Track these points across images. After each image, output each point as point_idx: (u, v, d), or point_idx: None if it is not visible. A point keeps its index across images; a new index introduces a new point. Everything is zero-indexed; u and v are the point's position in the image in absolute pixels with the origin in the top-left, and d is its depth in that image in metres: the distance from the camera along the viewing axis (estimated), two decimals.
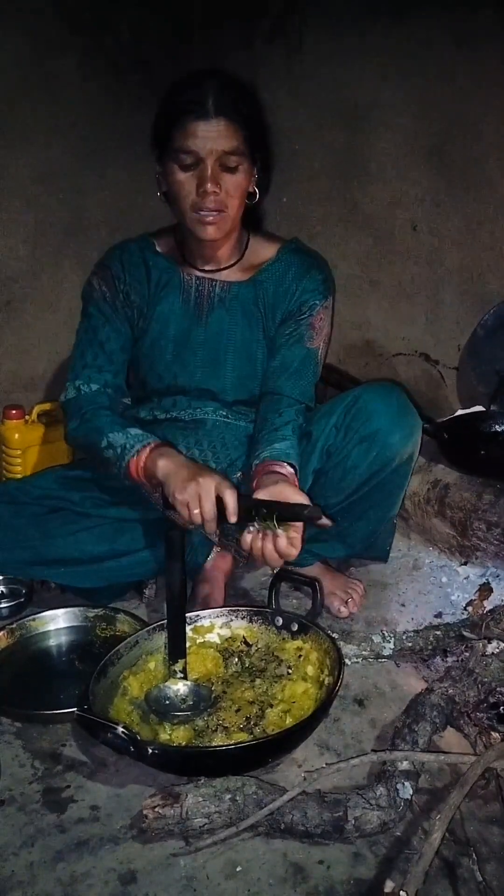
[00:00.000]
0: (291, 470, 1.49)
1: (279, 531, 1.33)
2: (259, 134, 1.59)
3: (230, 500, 1.33)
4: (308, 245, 1.76)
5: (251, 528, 1.35)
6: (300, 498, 1.35)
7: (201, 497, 1.34)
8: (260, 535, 1.35)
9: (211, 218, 1.53)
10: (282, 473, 1.47)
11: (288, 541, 1.34)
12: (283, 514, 1.32)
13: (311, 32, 2.14)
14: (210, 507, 1.34)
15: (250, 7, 2.20)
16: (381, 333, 2.27)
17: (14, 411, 2.06)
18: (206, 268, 1.67)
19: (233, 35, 2.24)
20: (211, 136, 1.47)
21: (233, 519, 1.34)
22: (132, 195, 2.22)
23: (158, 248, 1.69)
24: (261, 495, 1.36)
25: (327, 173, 2.20)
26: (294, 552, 1.35)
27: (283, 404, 1.60)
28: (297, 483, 1.48)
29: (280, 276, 1.65)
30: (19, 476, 2.04)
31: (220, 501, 1.35)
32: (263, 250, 1.69)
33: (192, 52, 2.24)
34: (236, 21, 2.23)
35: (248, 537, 1.36)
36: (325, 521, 1.31)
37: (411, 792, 1.15)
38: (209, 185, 1.49)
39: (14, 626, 1.59)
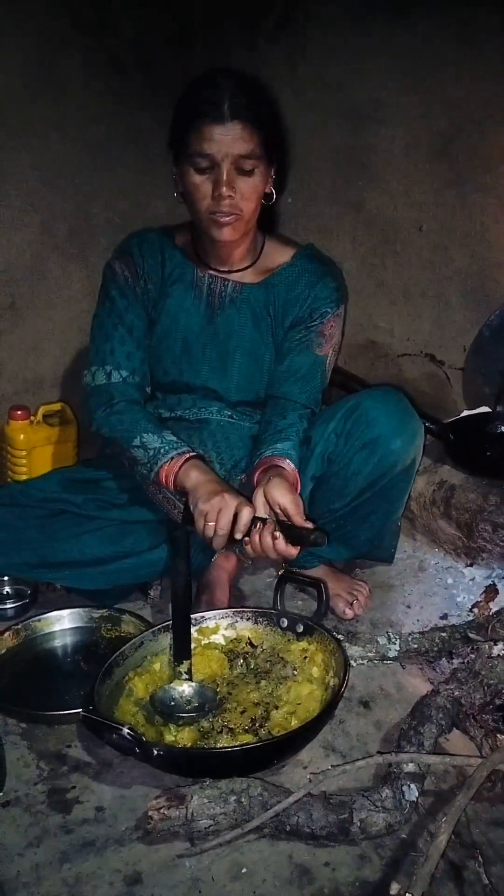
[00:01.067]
0: (292, 465, 1.49)
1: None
2: (275, 135, 1.58)
3: (244, 516, 1.37)
4: (313, 245, 1.75)
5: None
6: (292, 498, 1.39)
7: (221, 510, 1.37)
8: (258, 529, 1.37)
9: (226, 220, 1.52)
10: (281, 467, 1.48)
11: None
12: (290, 534, 1.37)
13: (314, 31, 2.13)
14: (225, 522, 1.37)
15: (253, 6, 2.19)
16: (386, 334, 2.26)
17: (19, 412, 2.06)
18: (221, 268, 1.67)
19: (236, 34, 2.24)
20: (226, 140, 1.47)
21: (238, 535, 1.38)
22: (137, 195, 2.22)
23: (176, 242, 1.69)
24: (257, 494, 1.41)
25: (332, 173, 2.19)
26: (294, 551, 1.38)
27: (287, 409, 1.60)
28: (297, 479, 1.49)
29: (293, 281, 1.65)
30: (24, 477, 2.04)
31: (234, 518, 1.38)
32: (278, 254, 1.68)
33: (194, 51, 2.24)
34: (239, 20, 2.22)
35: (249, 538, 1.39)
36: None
37: (417, 794, 1.14)
38: (224, 189, 1.49)
39: (19, 626, 1.59)
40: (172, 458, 1.48)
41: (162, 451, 1.49)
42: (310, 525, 1.38)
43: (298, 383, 1.62)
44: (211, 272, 1.67)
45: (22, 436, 2.05)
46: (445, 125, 2.05)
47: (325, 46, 2.12)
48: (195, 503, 1.41)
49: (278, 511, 1.41)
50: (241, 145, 1.47)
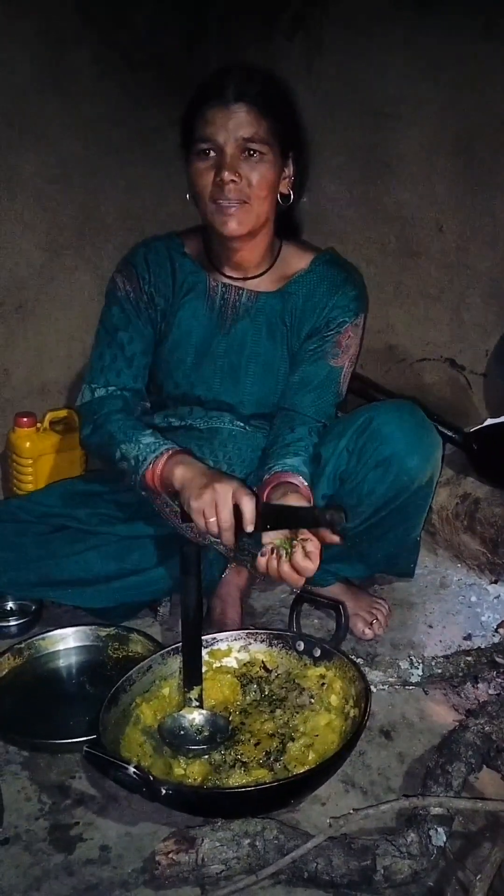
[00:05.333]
0: (303, 482, 1.42)
1: (295, 545, 1.26)
2: (289, 127, 1.50)
3: (247, 507, 1.26)
4: (333, 249, 1.67)
5: (264, 552, 1.29)
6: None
7: (217, 504, 1.27)
8: (274, 553, 1.28)
9: (232, 210, 1.44)
10: (293, 483, 1.39)
11: (305, 554, 1.25)
12: (303, 518, 1.25)
13: (332, 27, 2.06)
14: (227, 515, 1.27)
15: (269, 1, 2.12)
16: (404, 338, 2.19)
17: (25, 419, 1.99)
18: (234, 275, 1.59)
19: (251, 30, 2.17)
20: (230, 123, 1.40)
21: (249, 528, 1.27)
22: (148, 195, 2.16)
23: (186, 250, 1.61)
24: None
25: (349, 172, 2.13)
26: (312, 566, 1.25)
27: (297, 421, 1.52)
28: (310, 496, 1.40)
29: (311, 289, 1.57)
30: (30, 486, 1.98)
31: (237, 510, 1.28)
32: (296, 260, 1.60)
33: (209, 47, 2.18)
34: (255, 15, 2.16)
35: (262, 560, 1.29)
36: (337, 535, 1.24)
37: (444, 839, 1.07)
38: (226, 172, 1.40)
39: (22, 645, 1.52)
40: (152, 462, 1.40)
41: (140, 457, 1.42)
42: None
43: (310, 395, 1.54)
44: (225, 280, 1.59)
45: (28, 443, 1.99)
46: (468, 123, 1.98)
47: (343, 42, 2.05)
48: (187, 502, 1.31)
49: None
50: (245, 128, 1.40)
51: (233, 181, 1.41)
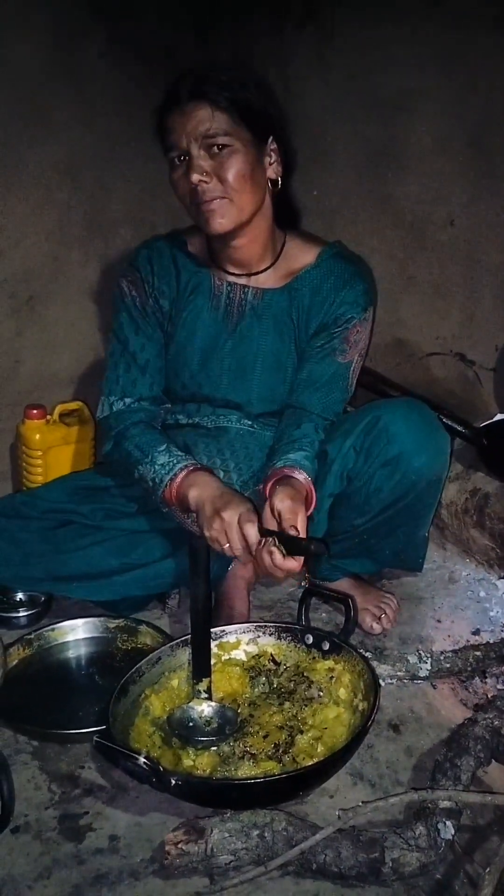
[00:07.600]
0: (306, 476, 1.42)
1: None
2: (260, 112, 1.45)
3: (251, 534, 1.31)
4: (340, 242, 1.66)
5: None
6: (289, 504, 1.33)
7: (227, 533, 1.32)
8: (263, 544, 1.32)
9: (212, 206, 1.41)
10: (295, 478, 1.40)
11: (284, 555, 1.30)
12: (290, 546, 1.30)
13: (343, 18, 2.05)
14: (237, 541, 1.33)
15: None
16: (414, 332, 2.18)
17: (35, 411, 2.00)
18: (238, 271, 1.57)
19: (262, 21, 2.17)
20: (188, 124, 1.38)
21: (254, 549, 1.32)
22: (157, 189, 2.16)
23: (190, 248, 1.59)
24: (265, 507, 1.35)
25: (360, 165, 2.12)
26: (294, 565, 1.30)
27: (303, 419, 1.52)
28: (311, 489, 1.41)
29: (318, 284, 1.54)
30: (40, 478, 1.98)
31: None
32: (301, 254, 1.57)
33: (219, 39, 2.17)
34: (265, 6, 2.15)
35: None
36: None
37: (453, 832, 1.07)
38: (193, 175, 1.39)
39: (32, 636, 1.54)
40: (168, 483, 1.43)
41: (157, 479, 1.45)
42: (302, 535, 1.31)
43: (317, 393, 1.53)
44: (230, 278, 1.57)
45: (38, 435, 1.99)
46: (480, 115, 1.96)
47: (354, 33, 2.04)
48: (201, 530, 1.36)
49: (277, 518, 1.34)
50: (203, 124, 1.38)
51: (202, 181, 1.39)
